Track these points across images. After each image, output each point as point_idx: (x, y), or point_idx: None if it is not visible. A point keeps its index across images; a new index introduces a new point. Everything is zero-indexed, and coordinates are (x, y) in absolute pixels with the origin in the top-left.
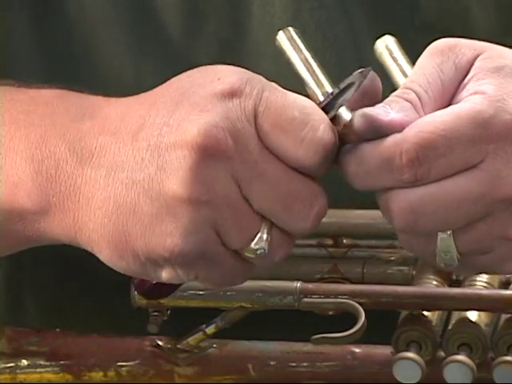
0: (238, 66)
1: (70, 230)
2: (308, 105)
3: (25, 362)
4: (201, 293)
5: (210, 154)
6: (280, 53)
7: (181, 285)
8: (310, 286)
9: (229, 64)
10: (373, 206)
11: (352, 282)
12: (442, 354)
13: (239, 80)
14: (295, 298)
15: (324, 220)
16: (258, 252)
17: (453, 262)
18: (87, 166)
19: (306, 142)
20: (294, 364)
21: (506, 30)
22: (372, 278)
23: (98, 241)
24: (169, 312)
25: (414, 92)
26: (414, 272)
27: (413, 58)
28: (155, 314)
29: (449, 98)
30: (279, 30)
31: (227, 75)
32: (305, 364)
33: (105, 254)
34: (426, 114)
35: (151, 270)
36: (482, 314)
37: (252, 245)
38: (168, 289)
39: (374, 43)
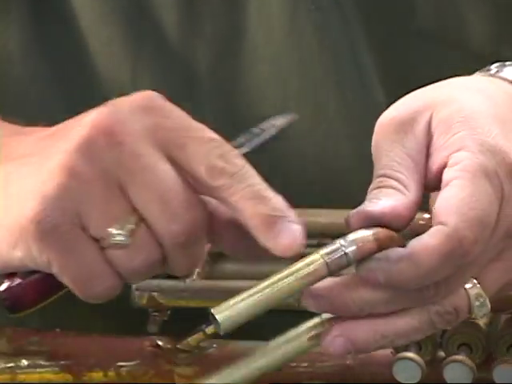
0: (235, 66)
1: None
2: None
3: (25, 362)
4: (201, 293)
5: (101, 133)
6: (277, 53)
7: (50, 296)
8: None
9: (226, 66)
10: None
11: None
12: (442, 353)
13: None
14: (295, 298)
15: (324, 220)
16: (117, 238)
17: (487, 309)
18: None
19: (209, 164)
20: (293, 364)
21: (502, 37)
22: None
23: None
24: (169, 312)
25: (389, 177)
26: None
27: (408, 62)
28: (155, 314)
29: (422, 165)
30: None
31: (143, 92)
32: (305, 364)
33: None
34: (411, 191)
35: (5, 247)
36: None
37: (113, 229)
38: (35, 295)
39: (370, 48)
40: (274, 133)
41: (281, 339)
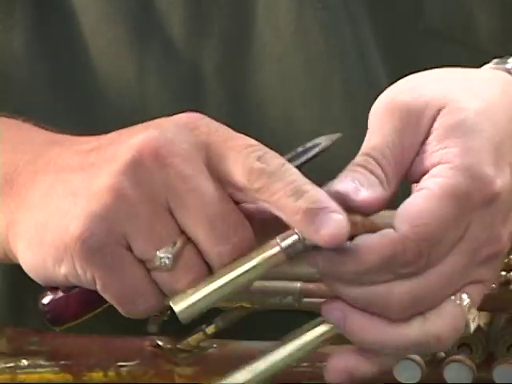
0: (243, 66)
1: (4, 229)
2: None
3: (25, 362)
4: None
5: (149, 155)
6: (284, 53)
7: (92, 310)
8: (311, 286)
9: (233, 66)
10: None
11: None
12: (442, 354)
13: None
14: (295, 298)
15: None
16: (163, 261)
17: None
18: (40, 172)
19: (247, 167)
20: (293, 364)
21: (509, 34)
22: None
23: (26, 232)
24: (169, 312)
25: (376, 162)
26: None
27: (416, 61)
28: (155, 314)
29: (409, 161)
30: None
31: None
32: (305, 364)
33: (24, 247)
34: (390, 186)
35: (51, 264)
36: (482, 313)
37: (158, 252)
38: (77, 309)
39: (377, 47)
40: (317, 152)
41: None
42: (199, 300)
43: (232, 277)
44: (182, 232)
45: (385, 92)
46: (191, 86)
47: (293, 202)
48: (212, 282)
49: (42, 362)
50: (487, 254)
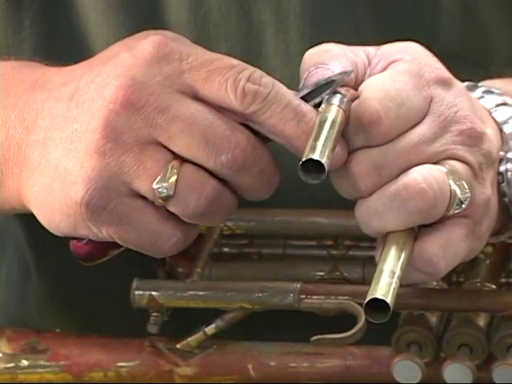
0: None
1: (17, 193)
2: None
3: (25, 362)
4: (201, 293)
5: (122, 106)
6: (295, 77)
7: (114, 248)
8: (311, 286)
9: None
10: None
11: (352, 283)
12: (442, 354)
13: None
14: (295, 298)
15: (324, 221)
16: (160, 191)
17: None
18: (31, 131)
19: (240, 90)
20: (294, 364)
21: None
22: (372, 279)
23: (35, 198)
24: (169, 312)
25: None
26: None
27: None
28: (155, 314)
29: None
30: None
31: (153, 39)
32: (305, 364)
33: (38, 213)
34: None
35: (66, 228)
36: (482, 313)
37: (154, 185)
38: (100, 250)
39: None
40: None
41: None
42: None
43: None
44: (176, 158)
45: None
46: None
47: (295, 126)
48: None
49: (41, 362)
50: (459, 130)
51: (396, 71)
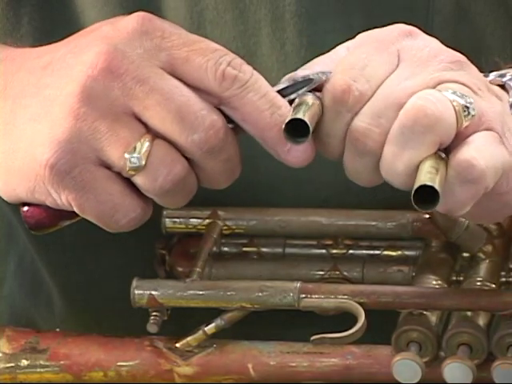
0: None
1: None
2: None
3: (25, 362)
4: (201, 293)
5: (100, 72)
6: None
7: (67, 218)
8: (310, 285)
9: None
10: (373, 206)
11: (352, 282)
12: (442, 353)
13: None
14: (295, 298)
15: (324, 220)
16: (132, 161)
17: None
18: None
19: (219, 73)
20: (294, 364)
21: None
22: (372, 278)
23: None
24: (169, 311)
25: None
26: (414, 272)
27: None
28: (155, 314)
29: None
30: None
31: (138, 13)
32: (305, 363)
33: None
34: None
35: (23, 193)
36: (482, 313)
37: (126, 154)
38: (52, 218)
39: None
40: (310, 87)
41: None
42: None
43: None
44: (149, 131)
45: None
46: None
47: (267, 118)
48: None
49: (41, 362)
50: (438, 61)
51: (353, 45)
